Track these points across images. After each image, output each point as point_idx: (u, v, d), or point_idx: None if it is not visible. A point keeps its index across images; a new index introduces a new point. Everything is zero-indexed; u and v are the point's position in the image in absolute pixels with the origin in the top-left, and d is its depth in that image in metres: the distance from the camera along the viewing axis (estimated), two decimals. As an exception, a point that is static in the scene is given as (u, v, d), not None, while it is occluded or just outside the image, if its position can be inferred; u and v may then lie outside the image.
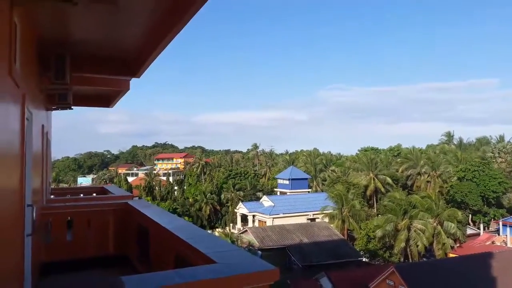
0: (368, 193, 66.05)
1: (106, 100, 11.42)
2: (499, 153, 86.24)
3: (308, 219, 59.64)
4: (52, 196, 12.10)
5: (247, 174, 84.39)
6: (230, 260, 3.29)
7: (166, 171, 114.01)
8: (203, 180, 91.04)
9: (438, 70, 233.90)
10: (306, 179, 79.24)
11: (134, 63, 7.39)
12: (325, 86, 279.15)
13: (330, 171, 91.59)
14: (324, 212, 54.38)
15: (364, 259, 46.79)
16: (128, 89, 9.52)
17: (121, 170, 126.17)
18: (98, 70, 7.62)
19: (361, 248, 48.84)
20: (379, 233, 45.39)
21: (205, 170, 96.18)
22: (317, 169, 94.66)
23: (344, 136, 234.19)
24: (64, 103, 8.77)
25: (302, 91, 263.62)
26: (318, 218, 58.14)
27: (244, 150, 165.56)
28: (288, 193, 71.79)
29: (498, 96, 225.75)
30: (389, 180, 66.81)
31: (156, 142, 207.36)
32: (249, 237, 44.43)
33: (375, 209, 63.32)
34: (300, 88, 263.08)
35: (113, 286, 2.82)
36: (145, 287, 2.66)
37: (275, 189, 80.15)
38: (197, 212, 71.42)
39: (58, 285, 6.93)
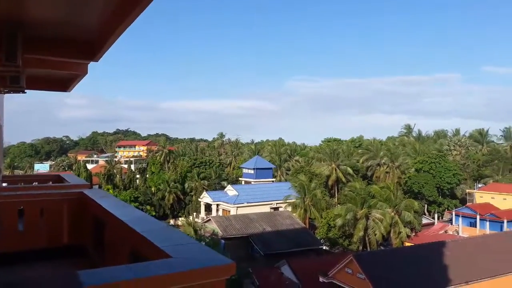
0: (330, 183, 67.62)
1: (63, 83, 10.85)
2: (454, 146, 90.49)
3: (271, 208, 60.22)
4: (4, 184, 11.49)
5: (212, 163, 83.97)
6: (186, 254, 3.21)
7: (127, 159, 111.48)
8: (166, 168, 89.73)
9: (406, 63, 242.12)
10: (271, 168, 79.82)
11: (92, 45, 7.02)
12: (294, 76, 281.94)
13: (294, 161, 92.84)
14: (287, 201, 55.15)
15: (324, 247, 47.96)
16: (86, 73, 9.07)
17: (81, 157, 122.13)
18: (54, 52, 7.18)
19: (321, 236, 49.99)
20: (339, 222, 46.58)
21: (168, 159, 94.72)
22: (282, 159, 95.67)
23: (310, 126, 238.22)
24: (16, 87, 8.23)
25: (272, 81, 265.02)
26: (281, 207, 58.84)
27: (210, 139, 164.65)
28: (252, 183, 72.04)
29: (459, 91, 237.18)
30: (350, 170, 68.56)
31: (117, 129, 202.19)
32: (212, 226, 44.38)
33: (336, 199, 64.96)
34: (269, 78, 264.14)
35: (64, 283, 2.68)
36: (87, 282, 2.52)
37: (240, 179, 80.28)
38: (159, 201, 70.44)
39: (9, 277, 6.60)
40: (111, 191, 65.74)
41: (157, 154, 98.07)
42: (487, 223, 52.31)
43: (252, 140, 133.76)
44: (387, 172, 74.56)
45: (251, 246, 42.86)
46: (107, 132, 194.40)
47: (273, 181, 76.40)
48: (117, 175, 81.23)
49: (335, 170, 67.70)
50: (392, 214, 47.47)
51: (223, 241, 41.70)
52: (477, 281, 25.80)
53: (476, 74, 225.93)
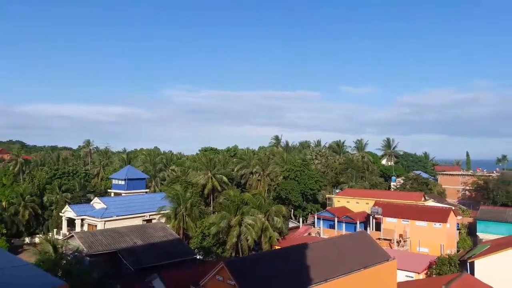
0: (206, 191, 67.95)
1: None
2: (316, 156, 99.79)
3: (144, 220, 57.92)
4: None
5: (77, 174, 77.17)
6: (12, 278, 2.76)
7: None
8: (21, 180, 79.39)
9: (275, 79, 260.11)
10: (144, 179, 77.06)
11: None
12: (172, 85, 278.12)
13: (170, 170, 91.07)
14: (161, 212, 53.69)
15: (198, 257, 47.78)
16: None
17: None
18: None
19: (196, 246, 49.75)
20: (213, 230, 46.97)
21: (24, 169, 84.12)
22: (157, 169, 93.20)
23: (188, 135, 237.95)
24: None
25: (147, 87, 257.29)
26: (155, 219, 56.99)
27: (75, 147, 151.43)
28: (123, 194, 68.45)
29: (320, 107, 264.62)
30: (225, 179, 70.05)
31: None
32: (75, 243, 40.47)
33: (212, 207, 65.53)
34: (145, 84, 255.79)
35: None
36: None
37: (109, 190, 75.53)
38: (12, 217, 61.69)
39: None
40: None
41: (9, 164, 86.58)
42: (344, 224, 58.60)
43: (124, 148, 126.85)
44: (258, 180, 78.36)
45: (120, 262, 40.31)
46: None
47: (146, 192, 73.83)
48: (-44, 189, 68.68)
49: (211, 179, 68.38)
50: (263, 219, 49.79)
51: (87, 258, 38.38)
52: (334, 279, 28.53)
53: (334, 93, 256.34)
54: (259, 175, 78.68)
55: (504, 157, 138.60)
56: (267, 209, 51.48)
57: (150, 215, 58.85)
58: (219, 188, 67.97)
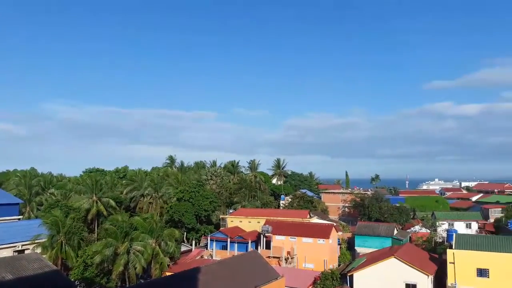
0: (89, 217, 62.94)
1: None
2: (211, 176, 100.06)
3: (15, 251, 51.16)
4: None
5: None
6: None
7: None
8: None
9: (168, 98, 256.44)
10: (17, 204, 68.79)
11: None
12: (52, 99, 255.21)
13: (48, 194, 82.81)
14: (37, 241, 48.17)
15: (79, 290, 43.71)
16: None
17: None
18: None
19: (76, 277, 45.49)
20: (97, 259, 43.51)
21: None
22: (33, 192, 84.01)
23: (71, 155, 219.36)
24: None
25: (23, 101, 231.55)
26: (28, 249, 50.78)
27: None
28: (-11, 222, 59.80)
29: (214, 127, 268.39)
30: (112, 203, 65.92)
31: None
32: None
33: (96, 234, 60.83)
34: (20, 97, 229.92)
35: None
36: None
37: (-29, 218, 65.33)
38: None
39: None
40: None
41: None
42: (236, 245, 59.27)
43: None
44: (150, 203, 75.40)
45: (-18, 303, 34.78)
46: None
47: (19, 219, 65.77)
48: None
49: (96, 203, 63.65)
50: (154, 245, 47.77)
51: None
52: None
53: (228, 114, 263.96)
54: (151, 197, 75.80)
55: (377, 176, 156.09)
56: (159, 234, 49.63)
57: (22, 245, 52.25)
58: (105, 213, 63.51)
